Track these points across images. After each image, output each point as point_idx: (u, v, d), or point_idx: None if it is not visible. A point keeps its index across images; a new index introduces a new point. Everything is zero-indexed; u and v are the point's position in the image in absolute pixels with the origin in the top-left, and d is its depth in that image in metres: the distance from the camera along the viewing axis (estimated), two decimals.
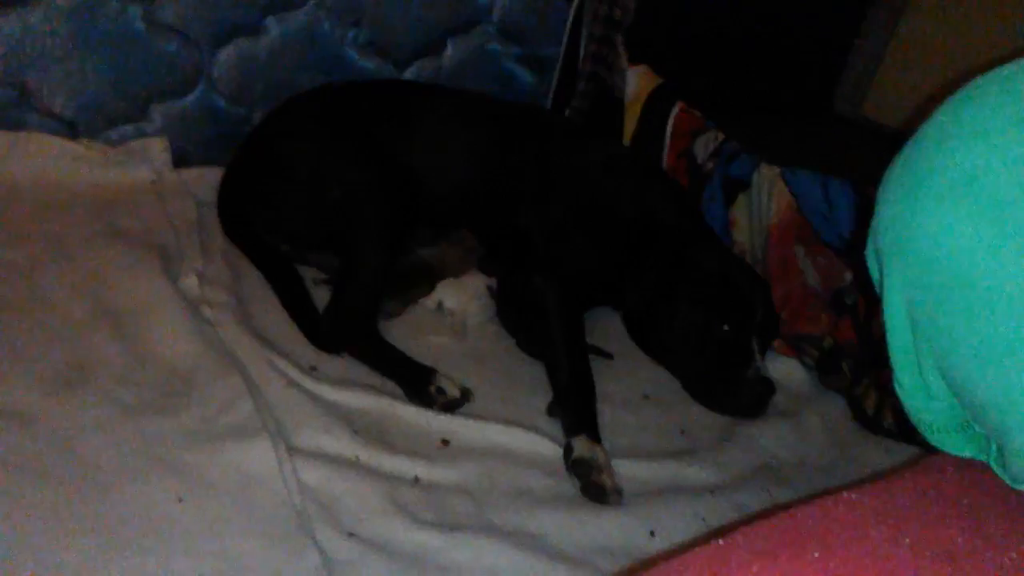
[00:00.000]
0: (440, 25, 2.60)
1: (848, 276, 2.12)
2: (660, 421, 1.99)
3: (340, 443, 1.64)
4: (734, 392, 2.00)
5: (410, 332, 2.07)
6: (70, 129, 2.27)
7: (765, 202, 2.23)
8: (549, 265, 2.12)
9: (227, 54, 2.35)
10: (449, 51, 2.66)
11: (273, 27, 2.38)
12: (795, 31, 2.92)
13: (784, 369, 2.23)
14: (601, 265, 2.16)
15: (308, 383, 1.78)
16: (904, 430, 2.04)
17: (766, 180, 2.23)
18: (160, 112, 2.35)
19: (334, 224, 2.05)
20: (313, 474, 1.55)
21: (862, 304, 2.04)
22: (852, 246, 2.07)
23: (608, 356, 2.09)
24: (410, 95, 2.37)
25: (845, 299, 2.13)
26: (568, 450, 1.73)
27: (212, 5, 2.27)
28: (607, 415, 1.90)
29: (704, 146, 2.42)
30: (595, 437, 1.76)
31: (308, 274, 2.17)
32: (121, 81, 2.26)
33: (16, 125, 2.19)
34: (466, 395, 1.84)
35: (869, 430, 2.10)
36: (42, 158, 2.19)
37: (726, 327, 2.01)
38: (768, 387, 1.98)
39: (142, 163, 2.31)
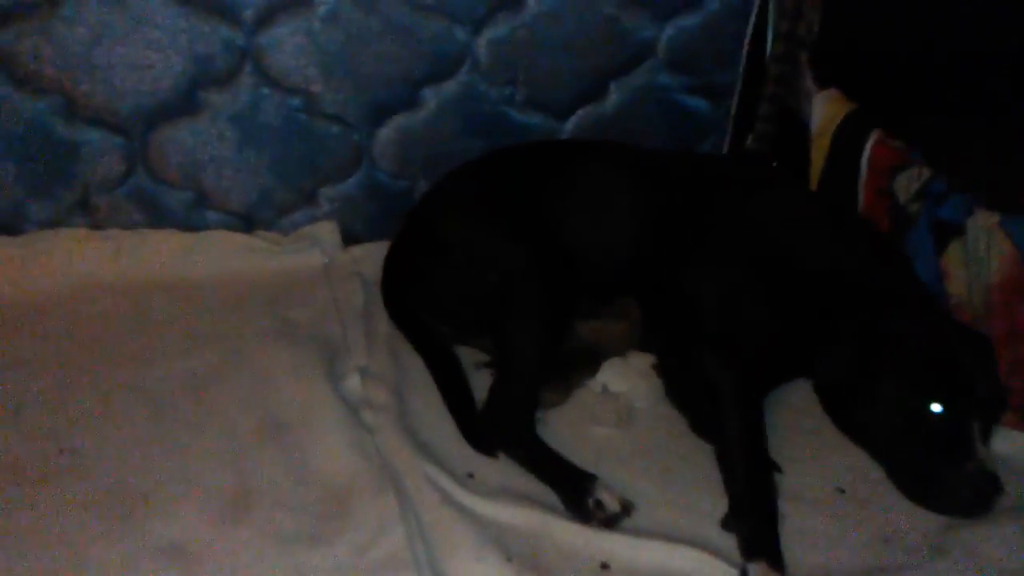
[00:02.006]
0: (599, 69, 2.45)
1: None
2: (858, 526, 1.74)
3: (493, 571, 1.57)
4: (950, 489, 1.70)
5: (571, 421, 1.96)
6: (246, 223, 2.36)
7: (984, 255, 1.89)
8: (723, 341, 1.92)
9: (386, 132, 2.34)
10: (613, 95, 2.49)
11: (430, 98, 2.34)
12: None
13: (1015, 448, 1.89)
14: (785, 337, 1.93)
15: (463, 496, 1.72)
16: None
17: (983, 230, 1.89)
18: (327, 196, 2.39)
19: (491, 310, 1.97)
20: None
21: None
22: None
23: (777, 470, 1.84)
24: (567, 155, 2.24)
25: None
26: None
27: (367, 87, 2.27)
28: (793, 518, 1.70)
29: (907, 184, 2.10)
30: (777, 562, 1.57)
31: (470, 357, 2.12)
32: (288, 172, 2.32)
33: (197, 225, 2.31)
34: (627, 509, 1.70)
35: None
36: (220, 254, 2.30)
37: (938, 409, 1.71)
38: (993, 485, 1.67)
39: (313, 247, 2.36)
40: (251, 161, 2.26)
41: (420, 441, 1.85)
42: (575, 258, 2.05)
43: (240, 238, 2.33)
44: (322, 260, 2.35)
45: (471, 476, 1.79)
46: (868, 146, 2.20)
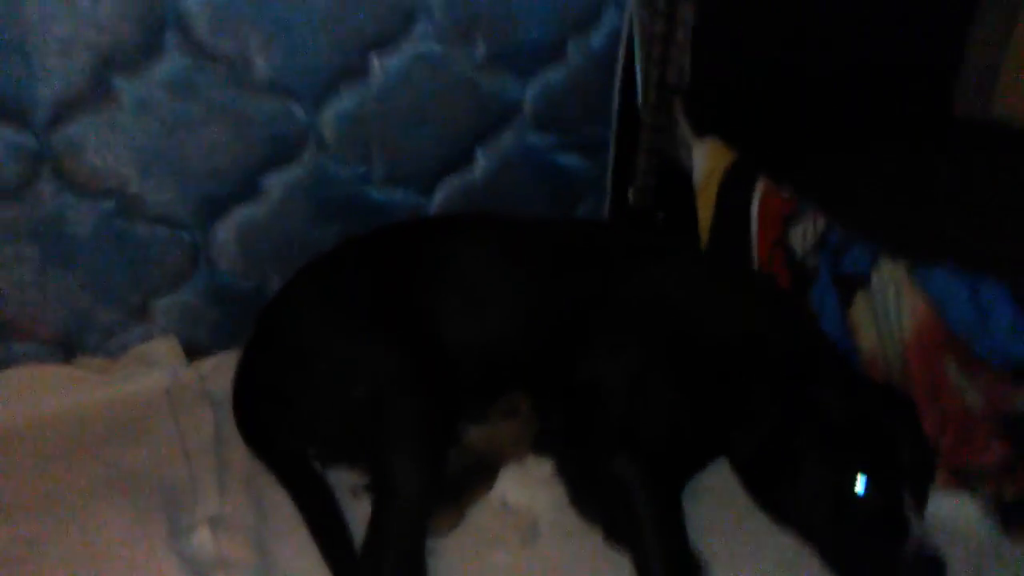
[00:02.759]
0: (462, 135, 2.22)
1: (1023, 402, 1.61)
2: None
3: None
4: (888, 573, 1.50)
5: (467, 548, 1.69)
6: (64, 351, 2.01)
7: (893, 308, 1.73)
8: (629, 433, 1.70)
9: (224, 228, 2.04)
10: (480, 161, 2.27)
11: (272, 186, 2.05)
12: (896, 38, 2.36)
13: (950, 508, 1.73)
14: (699, 419, 1.72)
15: None
16: None
17: (891, 280, 1.73)
18: (161, 309, 2.07)
19: (362, 428, 1.69)
20: None
21: None
22: None
23: (701, 571, 1.62)
24: (436, 235, 2.00)
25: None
26: None
27: (195, 181, 1.96)
28: None
29: (802, 236, 1.94)
30: None
31: (346, 479, 1.82)
32: (109, 287, 1.98)
33: (2, 362, 1.94)
34: None
35: None
36: (33, 392, 1.93)
37: (861, 483, 1.52)
38: (937, 569, 1.49)
39: (150, 369, 2.03)
40: (61, 281, 1.91)
41: None
42: (455, 356, 1.79)
43: (57, 370, 1.97)
44: (163, 383, 2.01)
45: None
46: (756, 198, 2.04)
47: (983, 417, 1.67)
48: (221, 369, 2.07)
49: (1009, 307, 1.54)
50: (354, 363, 1.73)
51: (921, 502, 1.56)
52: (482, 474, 1.79)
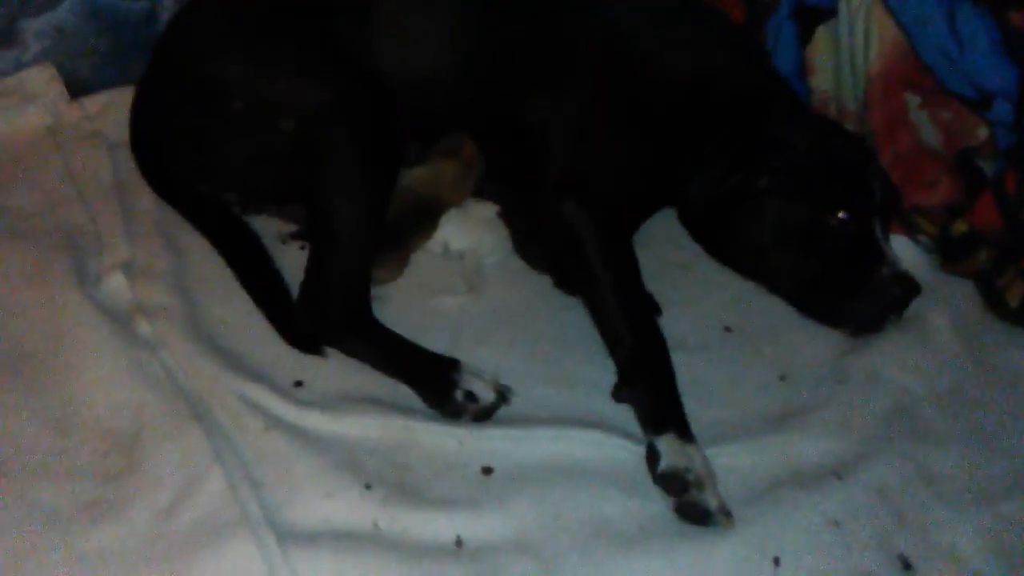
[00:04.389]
0: None
1: (982, 133, 1.58)
2: (752, 366, 1.55)
3: (349, 508, 1.23)
4: (868, 298, 1.51)
5: (413, 297, 1.59)
6: None
7: (860, 39, 1.64)
8: (578, 178, 1.59)
9: None
10: None
11: None
12: None
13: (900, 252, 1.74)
14: (650, 163, 1.63)
15: (294, 414, 1.34)
16: None
17: (860, 7, 1.63)
18: (32, 31, 1.75)
19: (292, 167, 1.51)
20: (320, 569, 1.14)
21: (1012, 179, 1.51)
22: (993, 98, 1.51)
23: (656, 312, 1.58)
24: None
25: (979, 164, 1.60)
26: (653, 456, 1.30)
27: None
28: (680, 369, 1.44)
29: None
30: (685, 432, 1.33)
31: (271, 227, 1.67)
32: None
33: None
34: (503, 395, 1.39)
35: (1009, 322, 1.64)
36: None
37: (842, 215, 1.49)
38: (911, 286, 1.51)
39: (26, 104, 1.76)
40: None
41: (223, 350, 1.43)
42: (392, 92, 1.59)
43: None
44: (43, 120, 1.75)
45: (299, 385, 1.40)
46: None
47: (935, 153, 1.65)
48: (113, 108, 1.82)
49: (988, 30, 1.46)
50: (281, 92, 1.52)
51: (886, 236, 1.55)
52: (423, 219, 1.66)
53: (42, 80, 1.78)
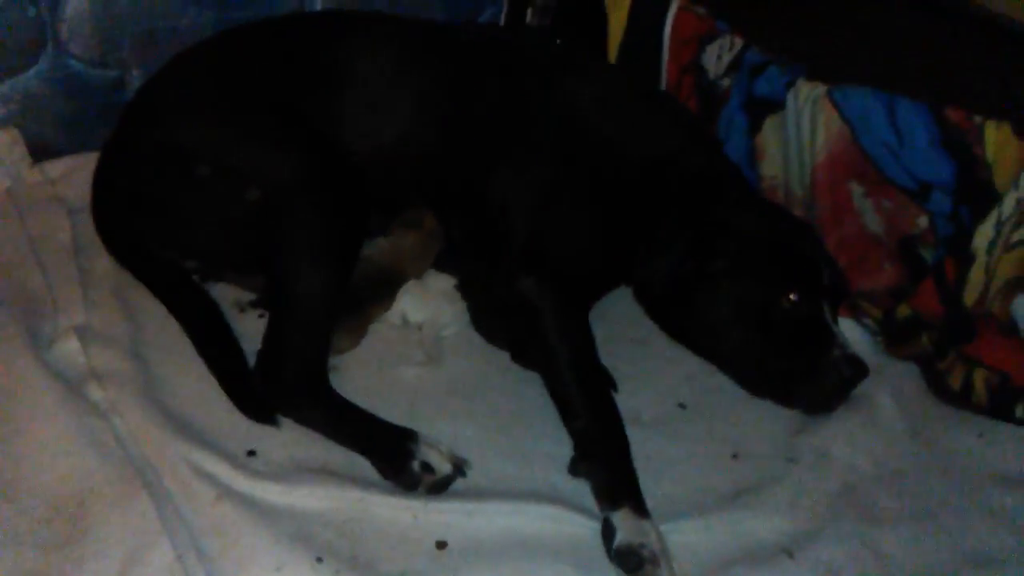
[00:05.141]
0: None
1: (923, 222, 1.66)
2: (705, 443, 1.56)
3: None
4: (818, 380, 1.55)
5: (370, 367, 1.60)
6: None
7: (807, 131, 1.72)
8: (537, 253, 1.62)
9: (76, 2, 1.73)
10: None
11: None
12: None
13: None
14: (607, 240, 1.67)
15: (245, 484, 1.32)
16: (998, 404, 1.64)
17: (807, 101, 1.72)
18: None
19: (255, 235, 1.52)
20: None
21: (951, 266, 1.58)
22: (931, 190, 1.59)
23: (613, 388, 1.60)
24: (332, 31, 1.78)
25: (920, 252, 1.67)
26: (608, 531, 1.30)
27: None
28: (635, 444, 1.45)
29: (716, 56, 1.89)
30: (641, 507, 1.33)
31: (230, 295, 1.67)
32: None
33: None
34: (459, 467, 1.39)
35: (953, 405, 1.68)
36: None
37: (793, 298, 1.54)
38: (860, 368, 1.55)
39: None
40: None
41: (176, 417, 1.41)
42: (355, 164, 1.63)
43: None
44: (2, 183, 1.75)
45: (253, 454, 1.39)
46: (670, 15, 1.96)
47: (881, 241, 1.72)
48: (74, 173, 1.82)
49: (926, 126, 1.55)
50: (246, 163, 1.54)
51: (835, 316, 1.61)
52: (383, 289, 1.67)
53: (4, 144, 1.78)
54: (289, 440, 1.41)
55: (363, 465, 1.39)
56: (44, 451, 1.29)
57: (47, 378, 1.38)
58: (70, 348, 1.46)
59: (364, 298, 1.63)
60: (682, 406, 1.64)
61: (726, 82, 1.87)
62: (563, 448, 1.46)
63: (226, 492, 1.29)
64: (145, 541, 1.19)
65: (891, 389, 1.69)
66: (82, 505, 1.23)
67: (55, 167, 1.83)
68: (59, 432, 1.31)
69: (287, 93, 1.64)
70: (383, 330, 1.68)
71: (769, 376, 1.57)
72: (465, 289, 1.74)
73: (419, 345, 1.65)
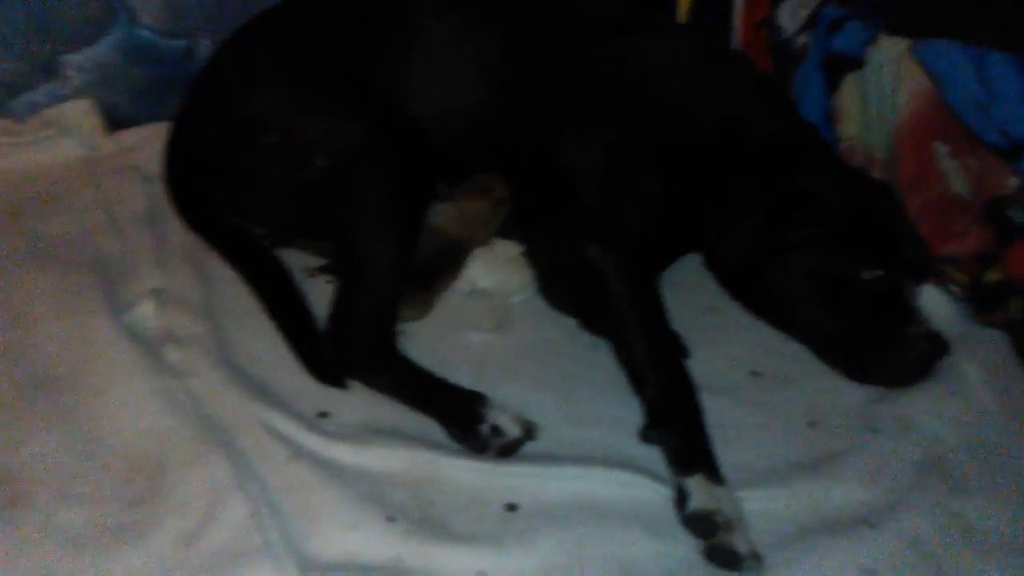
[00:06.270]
0: None
1: (1013, 183, 1.58)
2: (780, 412, 1.52)
3: (372, 540, 1.21)
4: (895, 356, 1.49)
5: (439, 332, 1.59)
6: None
7: (889, 89, 1.65)
8: (604, 221, 1.59)
9: None
10: None
11: None
12: None
13: (924, 303, 1.72)
14: (674, 208, 1.62)
15: (319, 445, 1.33)
16: None
17: (889, 58, 1.64)
18: (74, 65, 1.80)
19: (323, 202, 1.52)
20: None
21: None
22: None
23: (684, 356, 1.56)
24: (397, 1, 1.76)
25: (1009, 214, 1.59)
26: (681, 497, 1.28)
27: None
28: (707, 412, 1.42)
29: (792, 12, 1.82)
30: (715, 474, 1.30)
31: (299, 261, 1.68)
32: (11, 35, 1.69)
33: None
34: (529, 431, 1.38)
35: None
36: None
37: (874, 271, 1.48)
38: (940, 345, 1.49)
39: (64, 136, 1.79)
40: None
41: (249, 379, 1.43)
42: (422, 130, 1.62)
43: None
44: (79, 152, 1.78)
45: (324, 416, 1.40)
46: None
47: (967, 203, 1.64)
48: (148, 142, 1.85)
49: (1018, 80, 1.47)
50: (313, 131, 1.54)
51: (916, 289, 1.55)
52: (452, 260, 1.66)
53: (80, 113, 1.82)
54: (359, 402, 1.42)
55: (433, 428, 1.39)
56: (124, 411, 1.32)
57: (125, 340, 1.41)
58: (147, 312, 1.49)
59: (433, 269, 1.63)
60: (756, 374, 1.59)
61: (802, 39, 1.80)
62: (632, 414, 1.43)
63: (298, 452, 1.30)
64: (220, 499, 1.20)
65: (978, 357, 1.61)
66: (160, 463, 1.25)
67: (129, 136, 1.87)
68: (137, 393, 1.34)
69: (354, 60, 1.64)
70: (451, 297, 1.67)
71: (845, 351, 1.52)
72: (532, 256, 1.72)
73: (487, 312, 1.64)
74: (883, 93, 1.67)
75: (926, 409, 1.51)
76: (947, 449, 1.46)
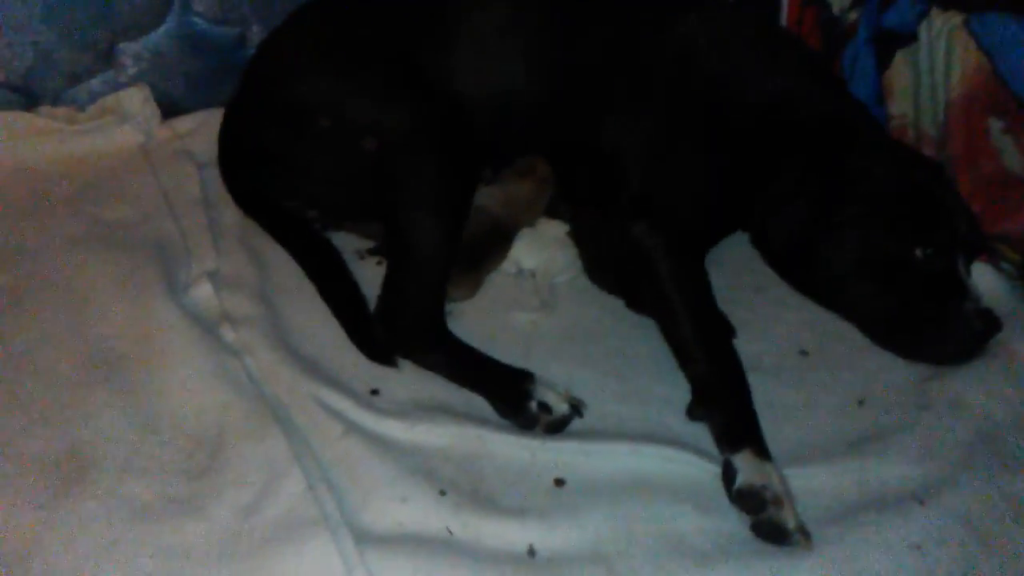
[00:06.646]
0: None
1: None
2: (829, 391, 1.51)
3: (424, 513, 1.24)
4: (947, 333, 1.48)
5: (486, 312, 1.61)
6: (24, 97, 1.78)
7: (942, 65, 1.63)
8: (651, 201, 1.60)
9: None
10: None
11: None
12: None
13: (975, 280, 1.69)
14: (722, 187, 1.62)
15: (370, 420, 1.36)
16: None
17: (941, 33, 1.62)
18: (130, 53, 1.85)
19: (373, 185, 1.55)
20: (396, 571, 1.15)
21: None
22: None
23: (732, 334, 1.56)
24: None
25: None
26: (729, 472, 1.29)
27: None
28: (755, 390, 1.42)
29: None
30: (763, 450, 1.31)
31: (349, 243, 1.71)
32: (71, 22, 1.74)
33: None
34: (577, 408, 1.39)
35: None
36: None
37: (926, 251, 1.47)
38: (993, 323, 1.47)
39: (121, 123, 1.84)
40: (16, 12, 1.67)
41: (303, 357, 1.47)
42: (469, 113, 1.64)
43: (20, 118, 1.76)
44: (136, 139, 1.83)
45: (375, 393, 1.43)
46: None
47: (1021, 180, 1.61)
48: (202, 128, 1.90)
49: None
50: (363, 116, 1.56)
51: (968, 267, 1.53)
52: (498, 241, 1.68)
53: (137, 100, 1.87)
54: (410, 380, 1.45)
55: (482, 405, 1.41)
56: (183, 388, 1.36)
57: (184, 320, 1.46)
58: (204, 293, 1.54)
59: (480, 250, 1.64)
60: (804, 353, 1.59)
61: (852, 15, 1.78)
62: (679, 391, 1.44)
63: (352, 428, 1.34)
64: (278, 472, 1.24)
65: None
66: (219, 438, 1.30)
67: (183, 123, 1.92)
68: (196, 370, 1.38)
69: (403, 44, 1.66)
70: (497, 277, 1.69)
71: (897, 329, 1.51)
72: (577, 236, 1.73)
73: (533, 291, 1.66)
74: (935, 69, 1.64)
75: (977, 387, 1.50)
76: (997, 427, 1.44)
